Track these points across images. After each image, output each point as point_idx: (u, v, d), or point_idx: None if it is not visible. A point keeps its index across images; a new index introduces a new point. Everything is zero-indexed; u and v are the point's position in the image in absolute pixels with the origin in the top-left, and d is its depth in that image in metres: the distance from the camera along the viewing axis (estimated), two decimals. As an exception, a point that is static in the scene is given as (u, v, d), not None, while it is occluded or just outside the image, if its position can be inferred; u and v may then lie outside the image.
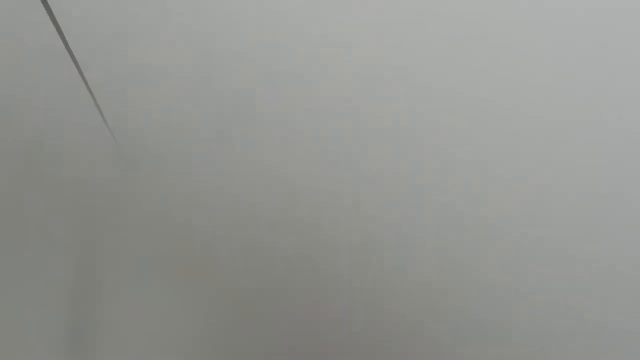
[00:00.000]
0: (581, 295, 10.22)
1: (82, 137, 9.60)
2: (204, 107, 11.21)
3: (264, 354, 10.66)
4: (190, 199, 11.59)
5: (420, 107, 11.53)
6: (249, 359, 10.57)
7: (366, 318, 11.32)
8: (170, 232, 11.32)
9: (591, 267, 10.19)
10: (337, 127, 11.43)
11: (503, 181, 11.37)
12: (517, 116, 11.17)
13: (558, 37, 10.87)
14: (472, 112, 11.31)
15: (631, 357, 9.44)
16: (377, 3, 11.06)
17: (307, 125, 11.43)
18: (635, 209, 10.05)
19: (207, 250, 11.63)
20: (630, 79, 10.44)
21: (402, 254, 11.53)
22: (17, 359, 8.17)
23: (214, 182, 11.93)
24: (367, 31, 10.94)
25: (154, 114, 10.59)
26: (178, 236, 11.44)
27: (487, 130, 11.39)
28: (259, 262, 12.04)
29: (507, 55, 11.15)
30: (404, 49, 11.10)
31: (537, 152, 11.25)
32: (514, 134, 11.35)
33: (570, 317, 10.12)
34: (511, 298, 10.79)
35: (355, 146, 11.75)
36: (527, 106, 11.22)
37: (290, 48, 10.97)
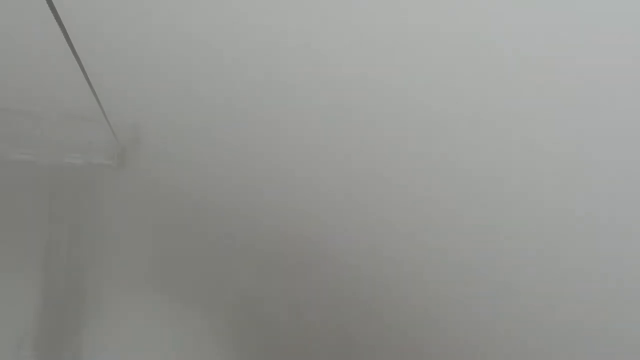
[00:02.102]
0: (584, 296, 10.03)
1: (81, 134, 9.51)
2: (201, 106, 10.66)
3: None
4: (187, 196, 11.37)
5: (413, 110, 11.16)
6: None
7: (374, 329, 11.06)
8: (166, 229, 11.08)
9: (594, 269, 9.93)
10: (332, 126, 10.97)
11: (509, 186, 11.07)
12: (517, 118, 10.79)
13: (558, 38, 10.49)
14: (476, 119, 10.95)
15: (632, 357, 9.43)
16: (373, 8, 10.72)
17: (303, 125, 11.22)
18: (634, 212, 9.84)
19: (203, 250, 11.39)
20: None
21: (401, 254, 11.24)
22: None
23: (211, 181, 11.62)
24: (362, 34, 10.58)
25: (154, 111, 10.45)
26: (174, 233, 11.18)
27: (489, 137, 11.05)
28: (259, 263, 11.55)
29: (508, 59, 10.73)
30: (399, 51, 10.78)
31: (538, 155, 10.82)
32: (515, 138, 10.95)
33: (572, 317, 9.96)
34: (514, 297, 10.49)
35: (353, 146, 11.40)
36: (525, 108, 10.84)
37: (287, 52, 10.54)
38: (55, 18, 3.17)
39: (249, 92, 11.41)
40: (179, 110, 10.89)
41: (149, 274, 10.99)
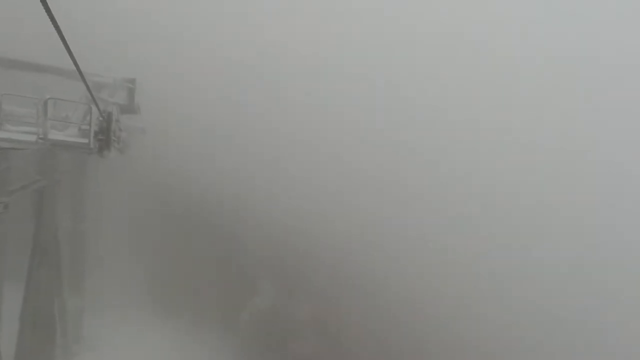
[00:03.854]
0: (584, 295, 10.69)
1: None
2: (203, 105, 10.02)
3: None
4: (192, 194, 10.47)
5: (408, 109, 11.59)
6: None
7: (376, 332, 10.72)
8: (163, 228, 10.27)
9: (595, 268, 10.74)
10: (331, 127, 11.11)
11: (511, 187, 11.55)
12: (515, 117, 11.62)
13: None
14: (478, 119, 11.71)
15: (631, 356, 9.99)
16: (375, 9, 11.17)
17: (302, 125, 10.85)
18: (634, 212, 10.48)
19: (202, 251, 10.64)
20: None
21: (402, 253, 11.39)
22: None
23: (211, 180, 10.22)
24: (362, 34, 10.97)
25: (153, 109, 9.14)
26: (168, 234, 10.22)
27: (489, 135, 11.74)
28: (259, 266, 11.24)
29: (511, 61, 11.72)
30: (399, 51, 11.28)
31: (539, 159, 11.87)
32: (515, 135, 11.72)
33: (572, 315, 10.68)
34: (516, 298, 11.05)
35: (352, 145, 11.50)
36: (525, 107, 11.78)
37: (289, 54, 10.88)
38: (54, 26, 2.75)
39: (253, 85, 10.58)
40: (181, 65, 10.07)
41: (142, 292, 10.51)
